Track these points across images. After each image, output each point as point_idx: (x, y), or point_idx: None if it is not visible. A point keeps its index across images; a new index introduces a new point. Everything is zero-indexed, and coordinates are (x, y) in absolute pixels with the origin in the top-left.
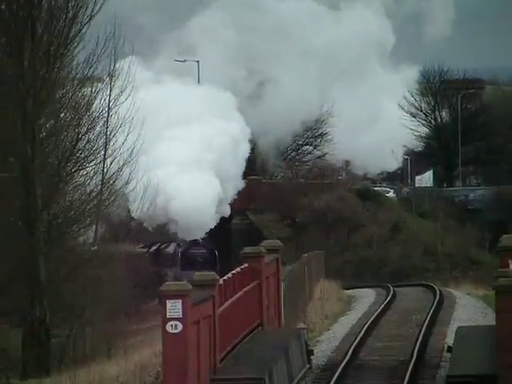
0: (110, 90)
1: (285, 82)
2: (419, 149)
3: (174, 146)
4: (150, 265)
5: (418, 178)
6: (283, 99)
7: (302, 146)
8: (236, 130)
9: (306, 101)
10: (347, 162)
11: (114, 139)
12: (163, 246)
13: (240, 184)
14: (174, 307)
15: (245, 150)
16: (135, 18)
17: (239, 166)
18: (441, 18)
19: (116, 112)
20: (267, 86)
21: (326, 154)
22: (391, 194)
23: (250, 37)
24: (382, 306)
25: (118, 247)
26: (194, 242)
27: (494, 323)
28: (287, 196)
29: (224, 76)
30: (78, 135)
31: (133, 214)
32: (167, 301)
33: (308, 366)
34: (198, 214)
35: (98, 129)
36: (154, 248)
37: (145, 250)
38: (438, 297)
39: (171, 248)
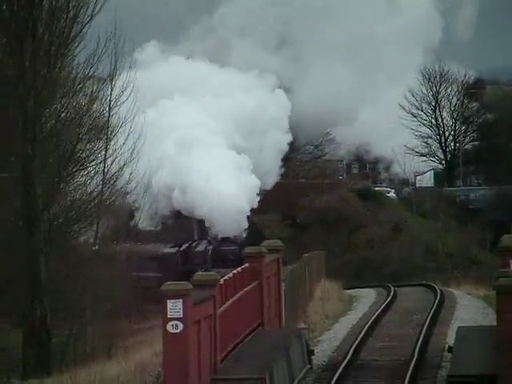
0: (111, 90)
1: (323, 76)
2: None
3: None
4: (181, 264)
5: (418, 177)
6: (319, 93)
7: (304, 145)
8: (272, 111)
9: (343, 96)
10: (375, 159)
11: (115, 139)
12: (194, 244)
13: (272, 180)
14: (175, 307)
15: (280, 141)
16: (164, 6)
17: (272, 156)
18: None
19: (117, 112)
20: (304, 79)
21: (326, 153)
22: (392, 194)
23: (290, 23)
24: (383, 305)
25: (119, 247)
26: (225, 239)
27: (494, 323)
28: (288, 196)
29: (260, 65)
30: (79, 135)
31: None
32: (168, 301)
33: (309, 365)
34: (232, 208)
35: (98, 129)
36: (184, 246)
37: (175, 249)
38: (438, 297)
39: (202, 246)
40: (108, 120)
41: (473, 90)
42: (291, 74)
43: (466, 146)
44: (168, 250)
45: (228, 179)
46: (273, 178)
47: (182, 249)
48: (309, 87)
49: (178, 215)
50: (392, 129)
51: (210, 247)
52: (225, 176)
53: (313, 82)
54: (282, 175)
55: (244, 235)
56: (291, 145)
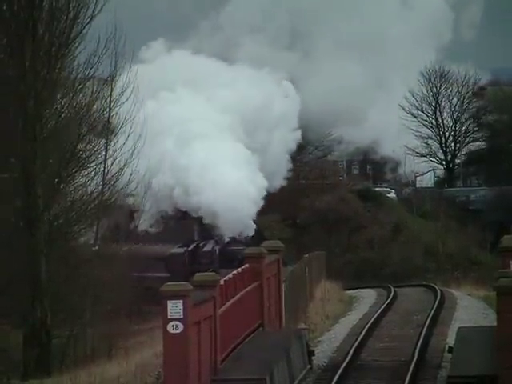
0: (111, 91)
1: (332, 75)
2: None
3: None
4: (188, 264)
5: (418, 178)
6: (328, 91)
7: (312, 145)
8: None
9: (353, 94)
10: (383, 159)
11: (115, 139)
12: (201, 244)
13: (278, 182)
14: (175, 308)
15: (288, 139)
16: (168, 4)
17: (279, 155)
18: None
19: (117, 112)
20: (313, 76)
21: (327, 154)
22: (392, 195)
23: (299, 21)
24: (383, 306)
25: (125, 247)
26: (233, 239)
27: (494, 324)
28: (288, 196)
29: (268, 63)
30: (79, 136)
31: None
32: (168, 301)
33: (309, 366)
34: (237, 206)
35: (99, 129)
36: (192, 246)
37: (183, 249)
38: (438, 297)
39: (209, 246)
40: (108, 120)
41: (473, 90)
42: (300, 72)
43: (467, 147)
44: (176, 250)
45: (236, 172)
46: (279, 181)
47: (189, 249)
48: (318, 85)
49: (182, 215)
50: (403, 130)
51: (217, 247)
52: (232, 169)
53: (322, 79)
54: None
55: (251, 234)
56: (298, 145)
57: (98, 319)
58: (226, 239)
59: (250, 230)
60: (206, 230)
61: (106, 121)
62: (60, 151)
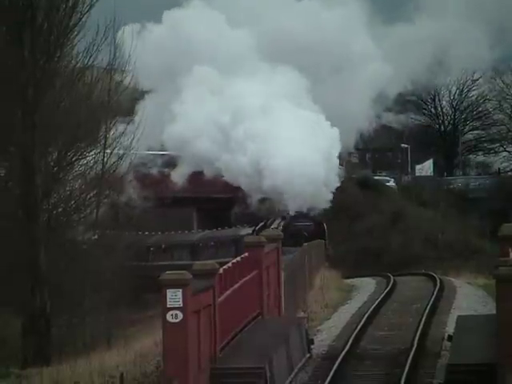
0: (111, 79)
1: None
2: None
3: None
4: None
5: (418, 167)
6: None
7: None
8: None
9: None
10: None
11: (114, 128)
12: (269, 222)
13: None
14: (175, 296)
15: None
16: None
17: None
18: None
19: (117, 101)
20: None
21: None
22: (391, 183)
23: None
24: (383, 294)
25: (118, 236)
26: (300, 214)
27: (494, 312)
28: None
29: None
30: (79, 124)
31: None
32: (167, 290)
33: (308, 354)
34: (308, 175)
35: (98, 118)
36: (260, 225)
37: (251, 229)
38: (438, 286)
39: (276, 223)
40: (108, 109)
41: (472, 78)
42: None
43: (466, 135)
44: (244, 231)
45: (309, 141)
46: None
47: (257, 228)
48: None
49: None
50: None
51: (282, 223)
52: (304, 138)
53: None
54: None
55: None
56: None
57: (98, 308)
58: (293, 214)
59: (324, 203)
60: (209, 218)
61: (105, 109)
62: (59, 140)
